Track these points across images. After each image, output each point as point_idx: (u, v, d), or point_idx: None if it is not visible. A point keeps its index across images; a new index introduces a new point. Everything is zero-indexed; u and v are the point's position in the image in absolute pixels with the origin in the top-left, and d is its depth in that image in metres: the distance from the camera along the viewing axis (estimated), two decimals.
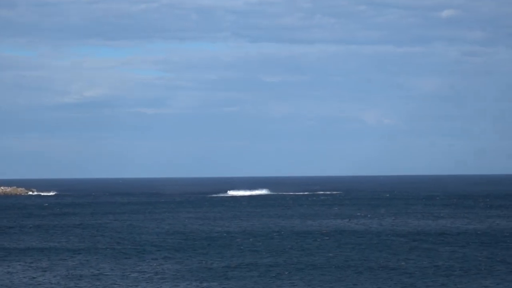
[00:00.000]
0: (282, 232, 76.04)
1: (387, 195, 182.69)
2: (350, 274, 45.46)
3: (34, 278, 45.72)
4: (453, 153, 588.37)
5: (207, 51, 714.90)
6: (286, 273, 45.97)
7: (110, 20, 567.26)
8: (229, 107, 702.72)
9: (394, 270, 47.09)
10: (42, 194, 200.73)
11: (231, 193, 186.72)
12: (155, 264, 51.27)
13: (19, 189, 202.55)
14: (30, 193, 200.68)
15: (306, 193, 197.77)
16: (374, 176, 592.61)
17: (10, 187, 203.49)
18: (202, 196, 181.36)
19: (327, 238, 70.11)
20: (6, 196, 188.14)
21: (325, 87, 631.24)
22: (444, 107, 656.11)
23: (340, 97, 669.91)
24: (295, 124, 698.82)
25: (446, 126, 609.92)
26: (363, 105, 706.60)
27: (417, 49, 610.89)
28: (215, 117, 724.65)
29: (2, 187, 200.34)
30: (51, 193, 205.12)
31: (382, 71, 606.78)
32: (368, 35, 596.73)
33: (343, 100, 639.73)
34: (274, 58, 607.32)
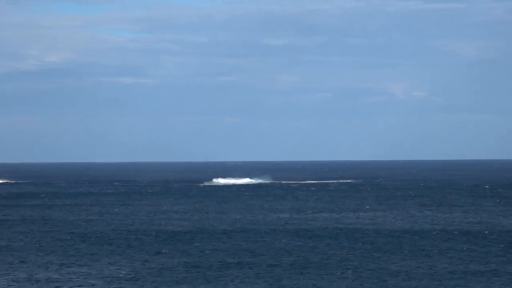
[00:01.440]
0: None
1: (421, 184, 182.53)
2: None
3: None
4: (495, 133, 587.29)
5: (196, 8, 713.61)
6: None
7: None
8: (223, 77, 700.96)
9: None
10: None
11: (218, 181, 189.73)
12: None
13: None
14: None
15: (314, 181, 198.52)
16: (401, 161, 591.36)
17: None
18: (184, 185, 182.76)
19: (336, 241, 67.68)
20: None
21: (342, 51, 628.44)
22: (486, 77, 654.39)
23: (360, 64, 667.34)
24: (304, 98, 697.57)
25: (486, 101, 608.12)
26: (388, 74, 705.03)
27: (455, 5, 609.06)
28: (205, 89, 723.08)
29: None
30: (0, 181, 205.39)
31: (412, 33, 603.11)
32: None
33: (363, 68, 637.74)
34: (278, 17, 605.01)
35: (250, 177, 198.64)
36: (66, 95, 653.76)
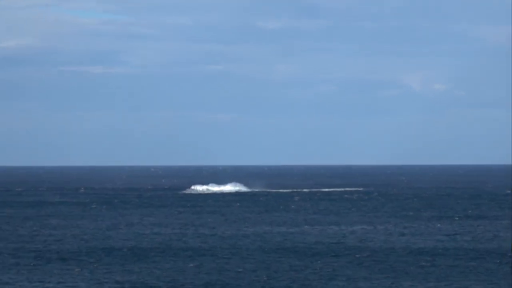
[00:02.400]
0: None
1: (443, 192, 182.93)
2: None
3: None
4: None
5: None
6: None
7: None
8: (210, 66, 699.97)
9: None
10: None
11: (196, 189, 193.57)
12: None
13: None
14: None
15: (316, 189, 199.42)
16: (418, 166, 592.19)
17: None
18: (160, 193, 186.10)
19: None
20: None
21: (349, 37, 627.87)
22: None
23: (370, 52, 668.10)
24: (304, 90, 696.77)
25: None
26: (404, 64, 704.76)
27: None
28: (190, 80, 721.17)
29: None
30: None
31: (431, 15, 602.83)
32: None
33: (374, 57, 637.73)
34: None
35: (235, 184, 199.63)
36: (25, 87, 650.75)
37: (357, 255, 67.43)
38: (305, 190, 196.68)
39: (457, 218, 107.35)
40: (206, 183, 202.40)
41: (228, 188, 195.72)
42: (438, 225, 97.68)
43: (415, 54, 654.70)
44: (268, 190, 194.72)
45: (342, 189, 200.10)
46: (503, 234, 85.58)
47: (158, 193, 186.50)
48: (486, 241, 79.39)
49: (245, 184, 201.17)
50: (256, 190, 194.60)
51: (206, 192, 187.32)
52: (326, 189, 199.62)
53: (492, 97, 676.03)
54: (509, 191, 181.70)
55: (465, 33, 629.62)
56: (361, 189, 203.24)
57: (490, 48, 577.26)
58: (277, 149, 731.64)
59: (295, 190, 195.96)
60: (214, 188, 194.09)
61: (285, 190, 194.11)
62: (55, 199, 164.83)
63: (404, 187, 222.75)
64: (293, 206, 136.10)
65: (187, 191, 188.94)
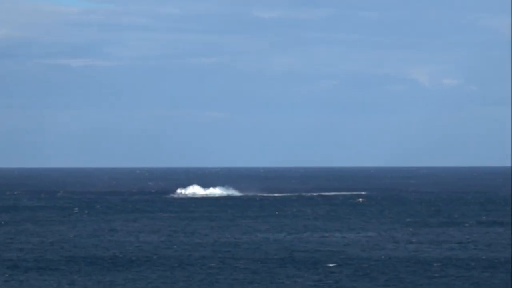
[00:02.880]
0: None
1: (454, 196, 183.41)
2: None
3: None
4: None
5: None
6: None
7: None
8: (201, 58, 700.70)
9: None
10: None
11: (182, 192, 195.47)
12: None
13: None
14: None
15: (315, 193, 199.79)
16: (426, 168, 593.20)
17: None
18: (145, 197, 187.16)
19: None
20: None
21: (352, 28, 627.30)
22: None
23: (376, 44, 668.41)
24: (304, 85, 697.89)
25: None
26: (411, 57, 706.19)
27: None
28: (179, 74, 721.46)
29: None
30: None
31: (441, 4, 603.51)
32: None
33: (379, 49, 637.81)
34: None
35: (227, 188, 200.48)
36: (0, 81, 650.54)
37: (361, 265, 67.27)
38: (303, 194, 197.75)
39: (468, 225, 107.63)
40: (198, 186, 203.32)
41: (219, 191, 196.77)
42: (448, 232, 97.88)
43: (424, 47, 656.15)
44: (262, 194, 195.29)
45: (344, 193, 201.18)
46: None
47: (144, 197, 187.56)
48: (501, 249, 79.21)
49: (238, 188, 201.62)
50: (250, 194, 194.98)
51: (194, 196, 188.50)
52: (327, 193, 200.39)
53: (506, 93, 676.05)
54: None
55: (476, 24, 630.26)
56: (364, 193, 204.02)
57: (503, 39, 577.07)
58: (273, 150, 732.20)
59: (292, 194, 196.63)
60: (201, 191, 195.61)
61: (281, 194, 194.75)
62: (32, 203, 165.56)
63: (411, 190, 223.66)
64: (290, 212, 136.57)
65: (176, 195, 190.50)
